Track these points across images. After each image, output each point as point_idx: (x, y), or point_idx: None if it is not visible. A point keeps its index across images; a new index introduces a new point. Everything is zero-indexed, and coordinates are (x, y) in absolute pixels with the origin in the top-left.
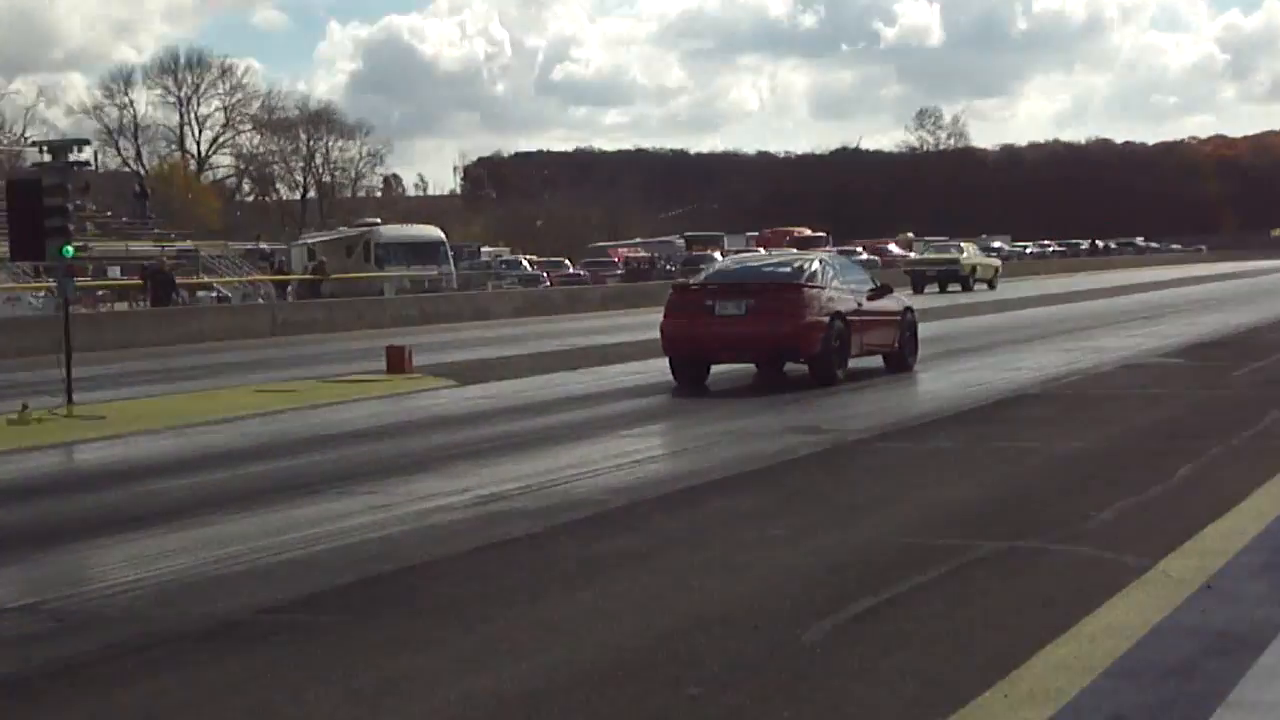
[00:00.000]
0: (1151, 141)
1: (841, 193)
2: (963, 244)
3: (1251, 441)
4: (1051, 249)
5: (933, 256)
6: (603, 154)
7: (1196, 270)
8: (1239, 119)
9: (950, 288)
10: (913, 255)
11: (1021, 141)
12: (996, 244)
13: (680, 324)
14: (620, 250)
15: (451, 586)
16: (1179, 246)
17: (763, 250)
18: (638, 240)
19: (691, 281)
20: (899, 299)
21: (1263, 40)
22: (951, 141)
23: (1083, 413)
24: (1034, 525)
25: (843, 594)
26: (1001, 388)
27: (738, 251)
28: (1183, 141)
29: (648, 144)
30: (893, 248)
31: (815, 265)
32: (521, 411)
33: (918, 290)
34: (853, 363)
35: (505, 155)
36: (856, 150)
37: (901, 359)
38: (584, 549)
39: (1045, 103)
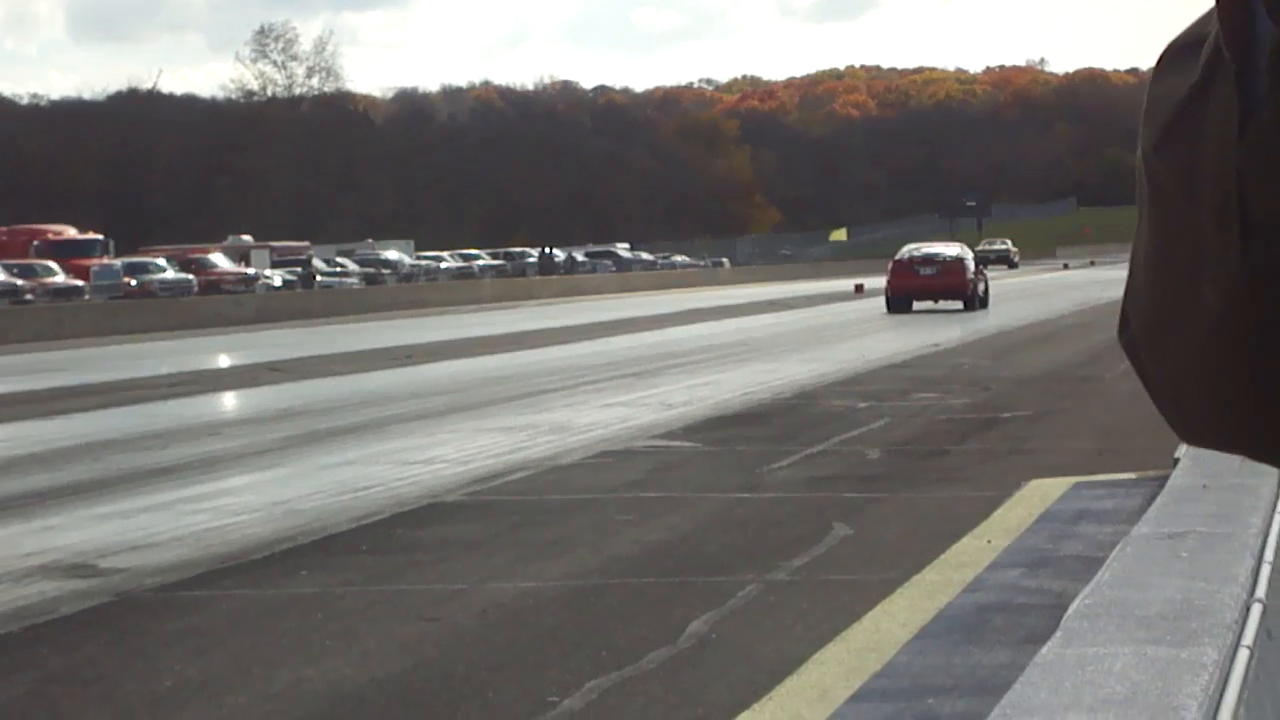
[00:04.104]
0: (641, 85)
1: (131, 167)
2: (1006, 239)
3: (805, 574)
4: (482, 262)
5: (990, 247)
6: None
7: (719, 296)
8: (775, 49)
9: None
10: (267, 273)
11: (428, 84)
12: (392, 255)
13: (901, 278)
14: None
15: None
16: (685, 259)
17: None
18: None
19: (901, 258)
20: (982, 270)
21: None
22: (314, 81)
23: (534, 532)
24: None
25: None
26: (401, 493)
27: None
28: (690, 86)
29: None
30: (217, 259)
31: (962, 250)
32: None
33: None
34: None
35: None
36: (153, 94)
37: (984, 300)
38: None
39: (465, 19)
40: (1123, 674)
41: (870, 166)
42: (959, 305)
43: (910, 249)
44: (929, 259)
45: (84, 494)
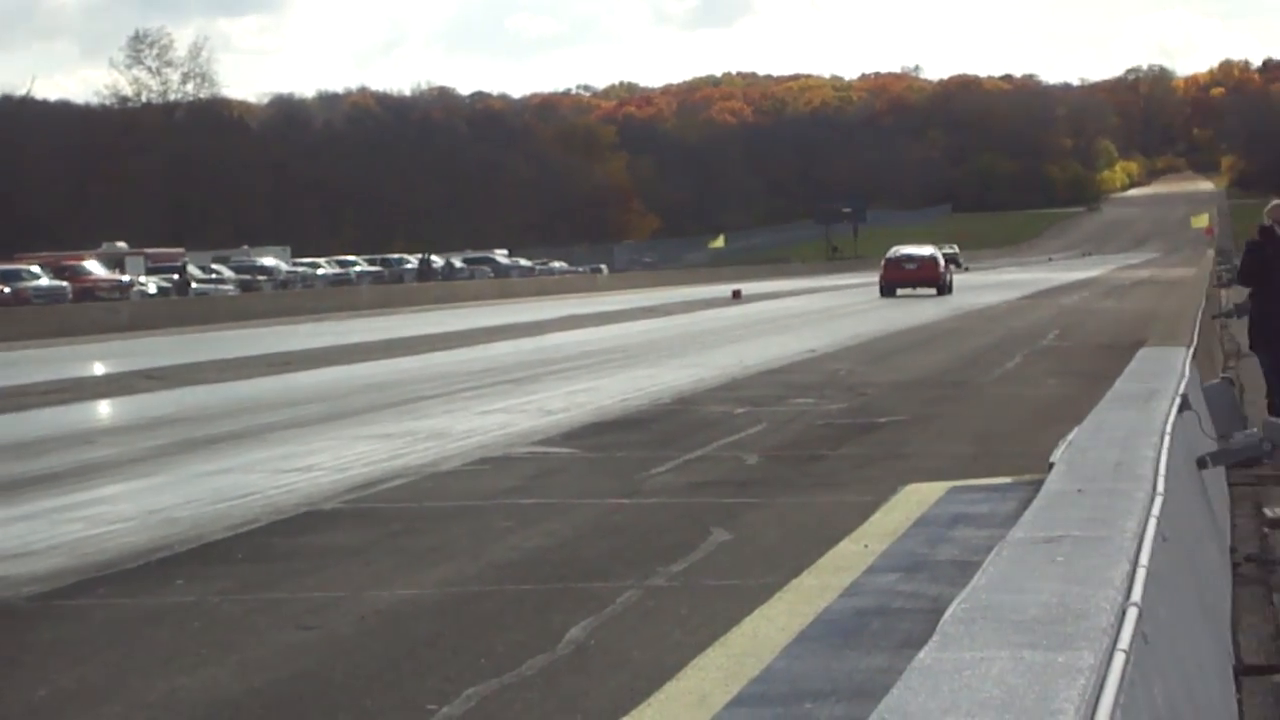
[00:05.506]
0: (518, 92)
1: (4, 174)
2: (954, 245)
3: (684, 579)
4: (359, 269)
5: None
6: None
7: (597, 302)
8: (653, 55)
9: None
10: (142, 279)
11: (304, 90)
12: (268, 261)
13: (891, 271)
14: None
15: None
16: (563, 265)
17: None
18: None
19: (891, 257)
20: (949, 265)
21: None
22: (189, 87)
23: (413, 539)
24: None
25: None
26: (279, 501)
27: None
28: (567, 92)
29: None
30: (92, 266)
31: (935, 250)
32: None
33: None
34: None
35: None
36: (26, 101)
37: (950, 288)
38: None
39: (340, 25)
40: (1000, 678)
41: (748, 173)
42: (933, 291)
43: (896, 249)
44: (910, 257)
45: None
